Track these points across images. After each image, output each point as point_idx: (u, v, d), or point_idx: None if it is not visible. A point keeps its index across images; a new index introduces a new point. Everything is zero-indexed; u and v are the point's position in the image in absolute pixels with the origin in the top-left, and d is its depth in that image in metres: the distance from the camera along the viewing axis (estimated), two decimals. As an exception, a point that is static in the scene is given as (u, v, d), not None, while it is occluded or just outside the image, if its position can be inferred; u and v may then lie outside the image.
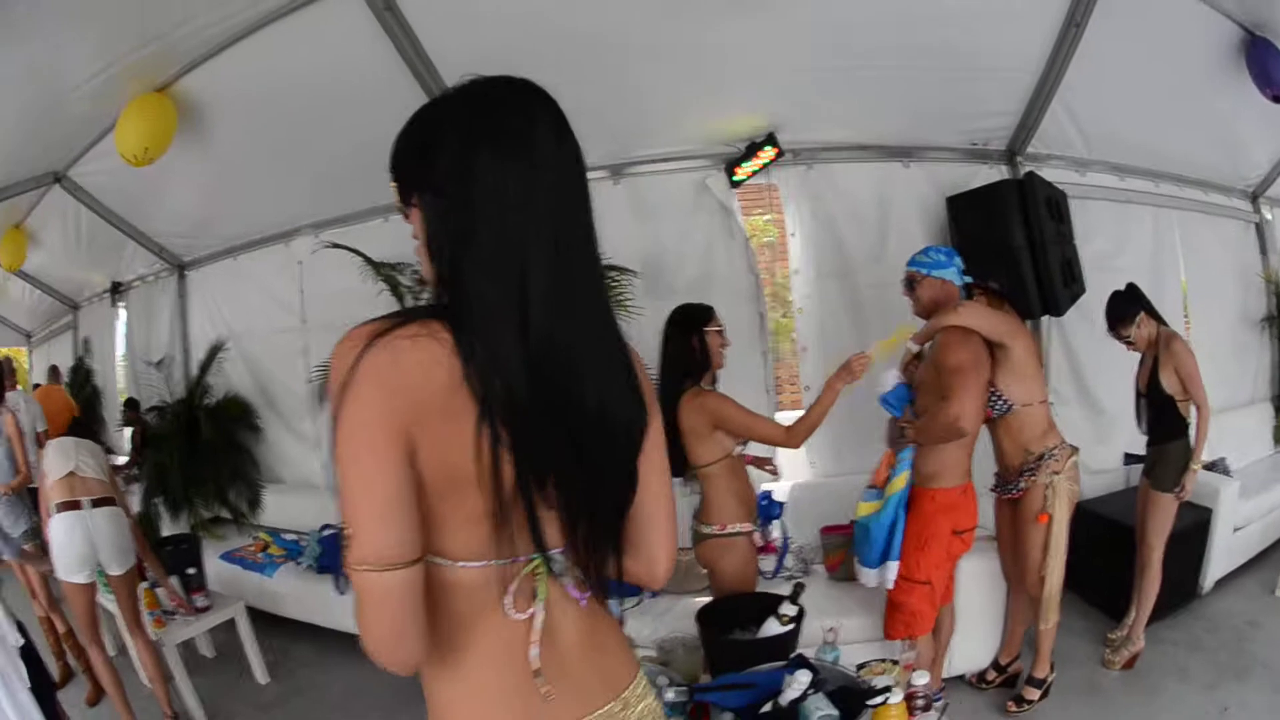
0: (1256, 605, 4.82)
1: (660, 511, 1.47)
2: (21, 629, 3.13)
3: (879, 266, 5.03)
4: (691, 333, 3.55)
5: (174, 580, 4.92)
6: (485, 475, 1.20)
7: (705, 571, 3.77)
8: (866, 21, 4.32)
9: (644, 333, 4.79)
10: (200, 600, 4.97)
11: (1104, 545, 4.70)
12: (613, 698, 1.42)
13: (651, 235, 5.56)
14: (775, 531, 4.68)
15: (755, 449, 3.78)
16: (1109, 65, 4.55)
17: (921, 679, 2.68)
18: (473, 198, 1.23)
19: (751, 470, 3.78)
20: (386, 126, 3.48)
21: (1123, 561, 4.50)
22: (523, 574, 1.31)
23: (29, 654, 3.25)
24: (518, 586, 1.30)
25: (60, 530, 4.11)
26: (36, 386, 8.89)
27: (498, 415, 1.18)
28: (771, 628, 3.03)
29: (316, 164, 5.68)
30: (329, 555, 5.58)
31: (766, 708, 2.57)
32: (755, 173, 5.16)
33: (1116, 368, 4.61)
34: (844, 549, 4.52)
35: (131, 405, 7.50)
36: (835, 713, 2.46)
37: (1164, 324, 4.36)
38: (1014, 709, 4.05)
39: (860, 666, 2.78)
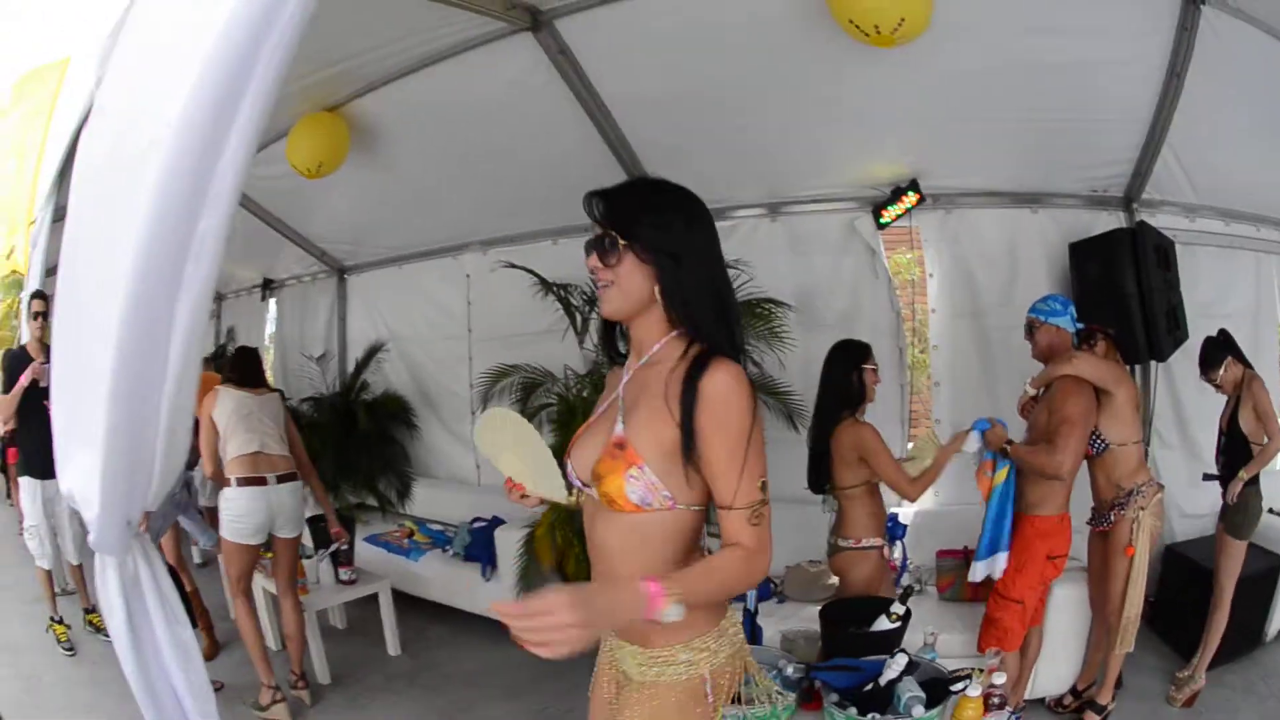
0: (1316, 661, 5.01)
1: None
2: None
3: (1006, 309, 5.36)
4: (852, 368, 4.08)
5: (324, 553, 5.66)
6: None
7: (836, 580, 4.37)
8: (994, 72, 4.69)
9: (795, 361, 5.52)
10: (346, 574, 5.71)
11: (1189, 588, 5.01)
12: None
13: (804, 270, 6.10)
14: (897, 551, 5.01)
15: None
16: (1210, 112, 4.82)
17: (999, 679, 3.09)
18: (700, 260, 1.93)
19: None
20: (557, 156, 5.04)
21: (1205, 605, 4.71)
22: None
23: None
24: None
25: (243, 501, 4.70)
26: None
27: None
28: (881, 624, 3.42)
29: (487, 186, 6.35)
30: (477, 545, 6.34)
31: (868, 688, 3.04)
32: (899, 216, 5.64)
33: (1218, 413, 4.79)
34: (955, 572, 5.07)
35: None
36: (922, 695, 2.96)
37: (1250, 367, 4.65)
38: None
39: (952, 671, 3.21)
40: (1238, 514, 4.55)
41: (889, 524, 4.49)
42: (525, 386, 6.01)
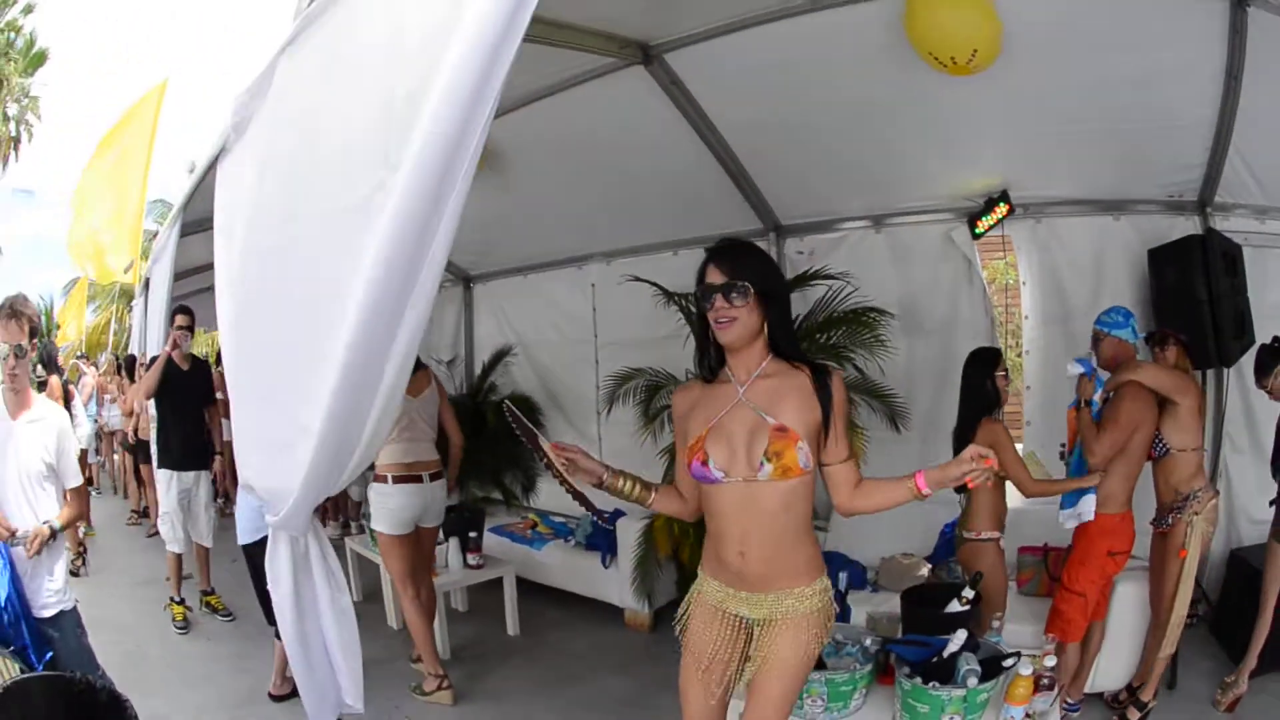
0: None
1: None
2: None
3: (1092, 315, 5.14)
4: (987, 375, 4.49)
5: (454, 540, 6.27)
6: None
7: (926, 571, 4.84)
8: (1068, 88, 4.99)
9: (897, 366, 6.00)
10: (474, 560, 6.39)
11: (1249, 593, 5.05)
12: None
13: (905, 279, 6.53)
14: None
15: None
16: (1269, 112, 4.95)
17: (1051, 662, 3.48)
18: (786, 302, 2.91)
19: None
20: (673, 174, 5.92)
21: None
22: None
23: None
24: None
25: (399, 497, 5.21)
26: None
27: None
28: (953, 606, 3.78)
29: (608, 202, 6.90)
30: (598, 535, 7.01)
31: (934, 661, 3.47)
32: (992, 226, 6.02)
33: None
34: (1035, 568, 5.48)
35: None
36: (978, 669, 3.40)
37: None
38: None
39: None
40: None
41: None
42: (649, 389, 6.58)
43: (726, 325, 2.75)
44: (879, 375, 6.10)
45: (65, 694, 3.12)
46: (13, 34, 26.18)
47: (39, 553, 3.69)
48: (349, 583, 6.56)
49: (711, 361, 2.92)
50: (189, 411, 6.22)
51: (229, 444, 4.91)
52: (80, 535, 8.54)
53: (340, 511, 8.90)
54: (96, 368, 13.10)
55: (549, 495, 8.49)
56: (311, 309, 2.77)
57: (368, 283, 2.39)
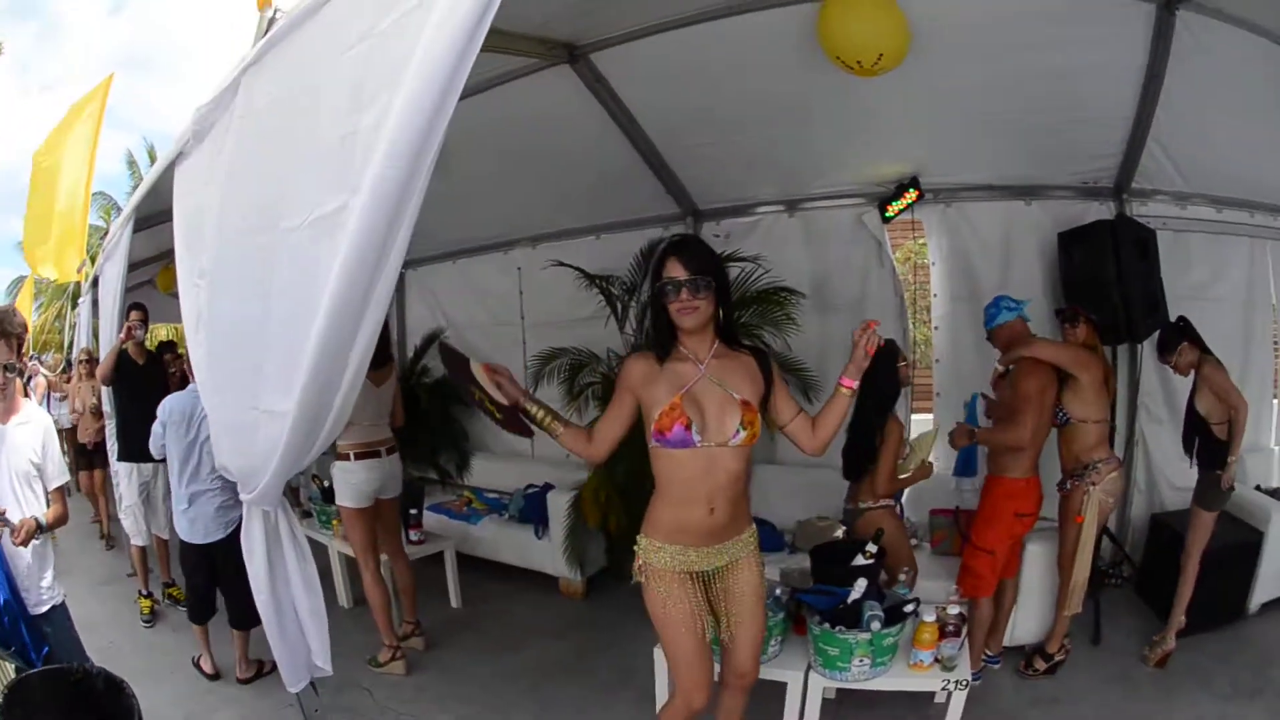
0: (1293, 634, 5.45)
1: None
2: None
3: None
4: (889, 369, 4.64)
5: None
6: None
7: (840, 533, 5.15)
8: (982, 84, 5.28)
9: (812, 342, 6.44)
10: (416, 535, 6.78)
11: (1173, 557, 5.33)
12: None
13: (818, 260, 7.03)
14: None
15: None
16: (1194, 107, 5.25)
17: (954, 610, 3.92)
18: (729, 292, 3.37)
19: None
20: (596, 163, 6.61)
21: None
22: None
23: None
24: None
25: (361, 471, 5.57)
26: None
27: None
28: (857, 560, 4.11)
29: (534, 190, 7.26)
30: (531, 508, 7.48)
31: (840, 608, 3.89)
32: (902, 210, 6.47)
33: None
34: (946, 529, 5.91)
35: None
36: (881, 614, 3.81)
37: (1208, 353, 5.10)
38: (1023, 669, 5.10)
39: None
40: (1202, 486, 5.14)
41: None
42: (572, 367, 6.97)
43: (690, 314, 3.19)
44: (789, 351, 6.53)
45: (64, 685, 3.31)
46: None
47: (24, 543, 3.72)
48: None
49: (667, 343, 3.32)
50: (146, 404, 6.24)
51: None
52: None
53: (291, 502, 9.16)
54: (44, 365, 13.15)
55: (481, 472, 8.98)
56: (289, 309, 3.14)
57: (332, 293, 2.75)
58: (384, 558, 6.03)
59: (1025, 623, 5.31)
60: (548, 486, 7.39)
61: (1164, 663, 5.10)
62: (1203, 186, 6.22)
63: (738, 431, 3.20)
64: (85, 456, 8.93)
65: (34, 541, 3.81)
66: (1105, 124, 5.64)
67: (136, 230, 6.19)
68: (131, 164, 26.73)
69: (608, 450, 3.47)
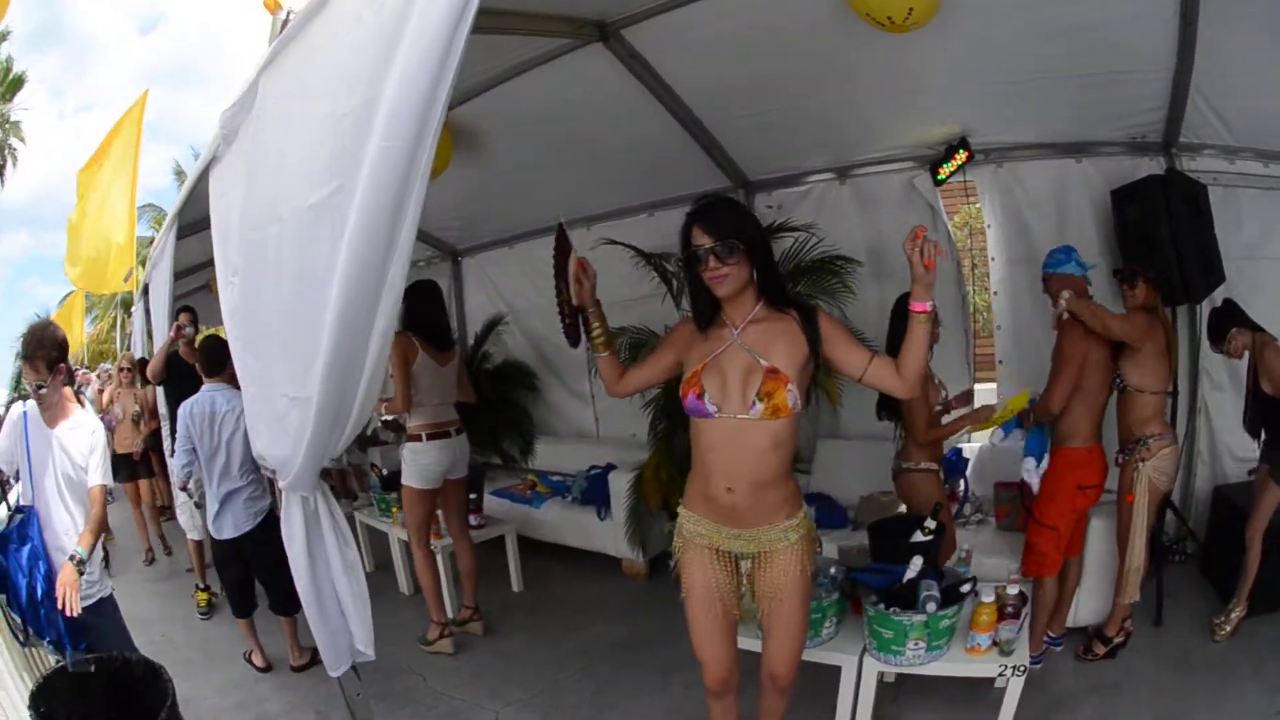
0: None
1: None
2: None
3: None
4: (900, 321, 4.44)
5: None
6: None
7: (904, 508, 4.94)
8: (1017, 38, 5.09)
9: (870, 311, 6.24)
10: (476, 520, 6.81)
11: (1235, 532, 5.10)
12: None
13: (871, 227, 6.91)
14: (961, 484, 5.90)
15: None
16: (1232, 56, 4.99)
17: (1014, 590, 3.76)
18: (769, 251, 3.19)
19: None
20: (642, 141, 6.46)
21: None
22: None
23: None
24: None
25: (433, 452, 5.68)
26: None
27: None
28: (916, 537, 3.95)
29: (582, 171, 7.21)
30: (594, 489, 7.53)
31: (896, 588, 3.77)
32: (953, 172, 6.32)
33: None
34: (1011, 503, 5.78)
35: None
36: (938, 595, 3.67)
37: (1260, 331, 4.89)
38: (1082, 654, 4.90)
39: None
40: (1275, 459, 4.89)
41: (950, 458, 5.23)
42: (633, 346, 6.88)
43: (721, 280, 3.05)
44: (848, 321, 6.26)
45: (104, 673, 3.45)
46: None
47: (73, 594, 3.74)
48: (360, 554, 7.07)
49: (707, 310, 3.21)
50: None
51: None
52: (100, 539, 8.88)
53: (349, 487, 9.31)
54: (99, 378, 13.36)
55: (545, 455, 8.99)
56: (298, 295, 3.16)
57: (343, 274, 2.77)
58: (448, 542, 6.21)
59: (1088, 603, 5.13)
60: (610, 467, 7.42)
61: (1235, 631, 4.97)
62: (1249, 140, 5.89)
63: (755, 403, 3.02)
64: (129, 468, 8.78)
65: (71, 531, 4.06)
66: (1146, 75, 5.40)
67: (181, 237, 6.28)
68: (179, 175, 27.52)
69: (631, 391, 3.49)
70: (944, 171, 6.40)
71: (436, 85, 2.43)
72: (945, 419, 4.82)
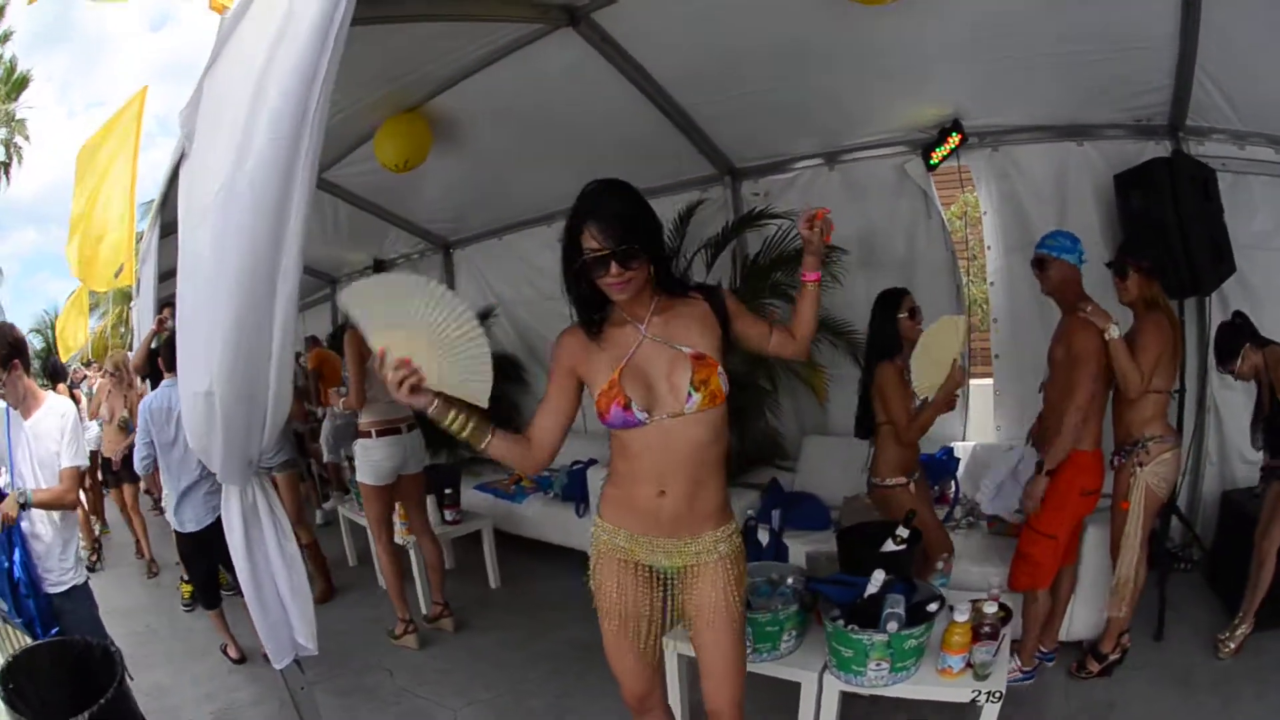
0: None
1: None
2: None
3: None
4: (888, 317, 4.50)
5: (431, 498, 6.50)
6: None
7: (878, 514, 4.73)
8: (1015, 13, 4.84)
9: (859, 302, 5.96)
10: (451, 515, 6.81)
11: (1244, 540, 4.82)
12: None
13: (862, 215, 6.63)
14: (951, 485, 5.57)
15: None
16: (1238, 35, 4.73)
17: (991, 609, 3.45)
18: (660, 234, 2.85)
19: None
20: (621, 126, 6.12)
21: None
22: None
23: None
24: None
25: (383, 448, 5.66)
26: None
27: None
28: (887, 546, 3.77)
29: (564, 158, 6.73)
30: (574, 485, 7.34)
31: (858, 602, 3.49)
32: (946, 156, 6.04)
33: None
34: None
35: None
36: (901, 613, 3.35)
37: (1271, 344, 4.61)
38: (1074, 671, 4.59)
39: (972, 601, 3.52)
40: None
41: (940, 457, 5.00)
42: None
43: (623, 287, 2.69)
44: (838, 311, 6.26)
45: (68, 657, 3.50)
46: (-7, 61, 26.94)
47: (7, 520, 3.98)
48: (344, 550, 7.39)
49: (597, 316, 2.87)
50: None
51: None
52: (96, 533, 8.78)
53: (343, 480, 9.05)
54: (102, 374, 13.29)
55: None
56: (197, 291, 3.11)
57: (237, 267, 2.71)
58: (413, 538, 6.17)
59: (1083, 615, 4.83)
60: (591, 462, 7.23)
61: (1240, 649, 4.65)
62: (1259, 124, 5.55)
63: (690, 395, 2.72)
64: (113, 474, 8.60)
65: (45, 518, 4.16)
66: (1150, 53, 5.11)
67: (166, 235, 6.05)
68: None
69: (551, 452, 2.98)
70: (936, 156, 6.12)
71: (315, 68, 2.42)
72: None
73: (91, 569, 8.17)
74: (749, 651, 3.48)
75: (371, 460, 5.69)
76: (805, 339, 3.10)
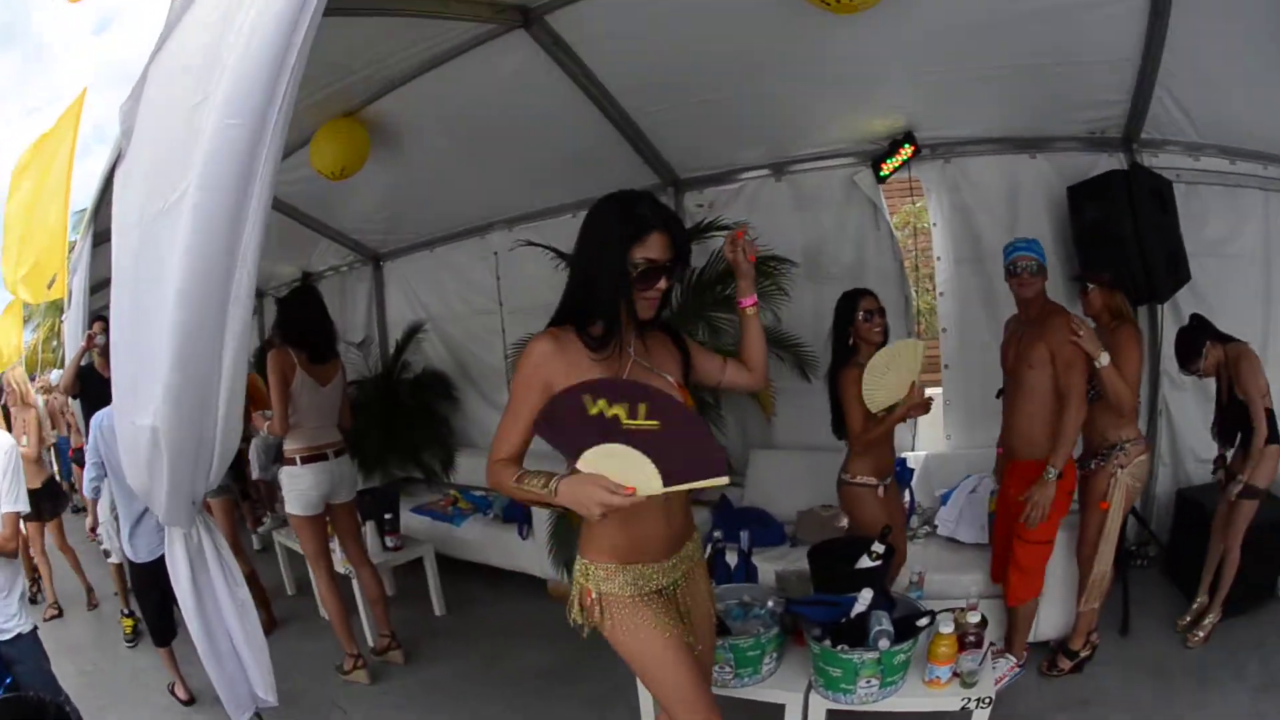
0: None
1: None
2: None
3: None
4: (844, 321, 4.42)
5: (370, 524, 6.22)
6: None
7: (846, 523, 4.70)
8: (975, 25, 4.82)
9: (805, 314, 5.94)
10: (392, 542, 6.40)
11: (1198, 533, 5.08)
12: None
13: (810, 226, 6.50)
14: (905, 495, 5.40)
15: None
16: (1202, 51, 4.82)
17: (974, 618, 3.45)
18: None
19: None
20: (566, 136, 5.85)
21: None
22: None
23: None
24: None
25: (309, 476, 5.26)
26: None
27: None
28: (863, 563, 3.70)
29: (504, 168, 6.81)
30: (514, 506, 6.92)
31: (844, 622, 3.43)
32: (897, 168, 5.96)
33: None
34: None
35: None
36: (890, 629, 3.33)
37: (1230, 341, 4.74)
38: (1046, 670, 4.61)
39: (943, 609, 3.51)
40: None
41: (895, 468, 4.79)
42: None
43: (655, 301, 2.54)
44: (782, 325, 6.12)
45: (20, 715, 3.09)
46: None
47: None
48: (282, 578, 6.91)
49: (615, 331, 2.54)
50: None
51: None
52: (34, 562, 8.29)
53: (274, 499, 8.62)
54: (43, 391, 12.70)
55: (467, 469, 8.47)
56: (139, 313, 2.79)
57: (180, 289, 2.41)
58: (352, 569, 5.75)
59: (1049, 615, 4.82)
60: (531, 482, 6.91)
61: (1209, 637, 4.77)
62: (1215, 137, 5.69)
63: None
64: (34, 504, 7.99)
65: None
66: (1110, 67, 5.17)
67: (99, 243, 5.97)
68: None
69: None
70: (887, 167, 6.05)
71: (283, 57, 2.11)
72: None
73: (33, 600, 7.68)
74: (730, 677, 3.48)
75: (299, 489, 5.32)
76: (760, 369, 2.99)
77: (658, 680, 2.72)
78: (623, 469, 2.27)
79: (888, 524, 4.03)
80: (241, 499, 7.76)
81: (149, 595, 5.16)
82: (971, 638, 3.44)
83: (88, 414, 6.20)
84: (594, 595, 2.75)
